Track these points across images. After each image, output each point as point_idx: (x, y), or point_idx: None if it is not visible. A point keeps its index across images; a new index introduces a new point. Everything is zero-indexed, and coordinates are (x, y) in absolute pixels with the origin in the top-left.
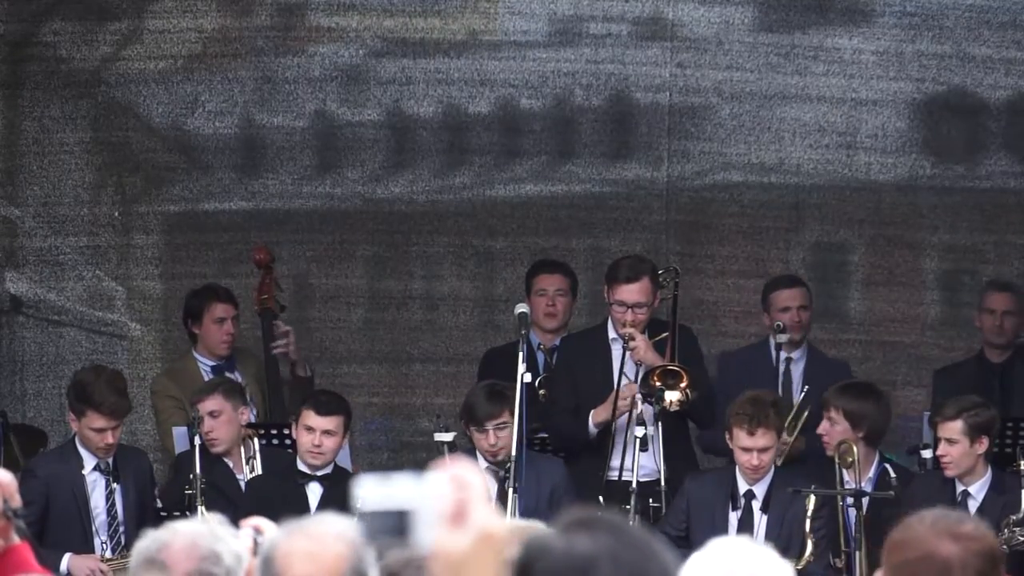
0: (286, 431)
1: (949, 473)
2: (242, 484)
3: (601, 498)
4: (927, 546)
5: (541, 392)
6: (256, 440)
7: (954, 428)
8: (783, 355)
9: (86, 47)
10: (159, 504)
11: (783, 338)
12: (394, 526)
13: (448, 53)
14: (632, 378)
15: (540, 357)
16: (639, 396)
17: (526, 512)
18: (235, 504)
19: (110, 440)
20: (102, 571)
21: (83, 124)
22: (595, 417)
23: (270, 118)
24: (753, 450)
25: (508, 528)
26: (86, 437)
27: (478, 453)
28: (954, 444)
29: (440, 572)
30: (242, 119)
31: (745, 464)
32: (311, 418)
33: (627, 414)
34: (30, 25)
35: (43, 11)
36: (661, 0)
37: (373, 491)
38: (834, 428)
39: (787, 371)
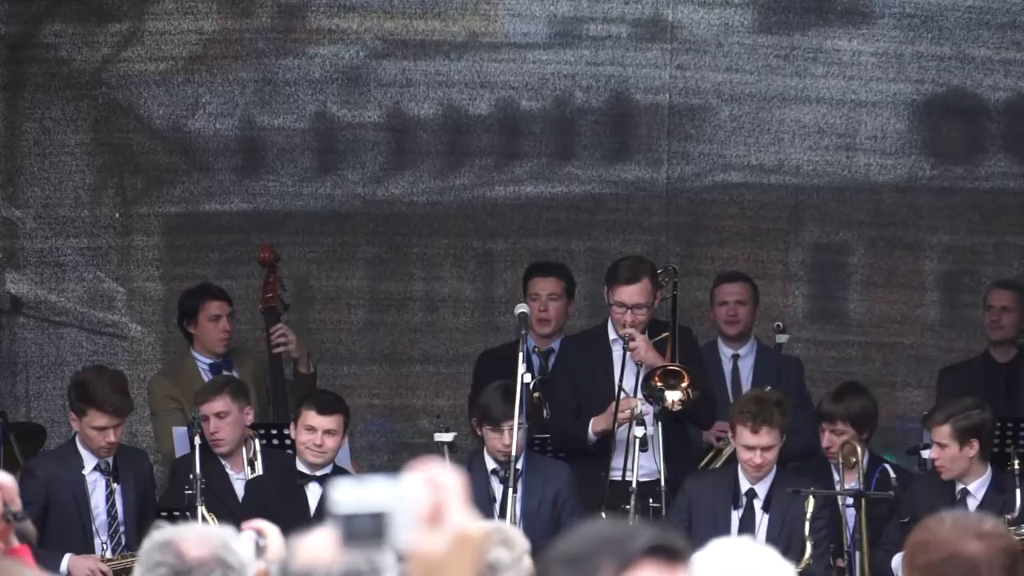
0: (286, 431)
1: (944, 476)
2: (240, 486)
3: (601, 499)
4: (952, 546)
5: (535, 395)
6: (257, 441)
7: (943, 432)
8: (729, 352)
9: (87, 48)
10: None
11: (783, 338)
12: (370, 528)
13: (448, 55)
14: (632, 379)
15: (535, 360)
16: (638, 407)
17: (528, 515)
18: (229, 507)
19: (112, 439)
20: (102, 571)
21: (84, 125)
22: (595, 426)
23: (270, 119)
24: (756, 448)
25: (484, 530)
26: (87, 436)
27: (486, 452)
28: (944, 448)
29: (417, 574)
30: (242, 120)
31: (748, 462)
32: (312, 418)
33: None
34: (31, 26)
35: (43, 12)
36: (661, 2)
37: (348, 493)
38: (841, 439)
39: (735, 368)
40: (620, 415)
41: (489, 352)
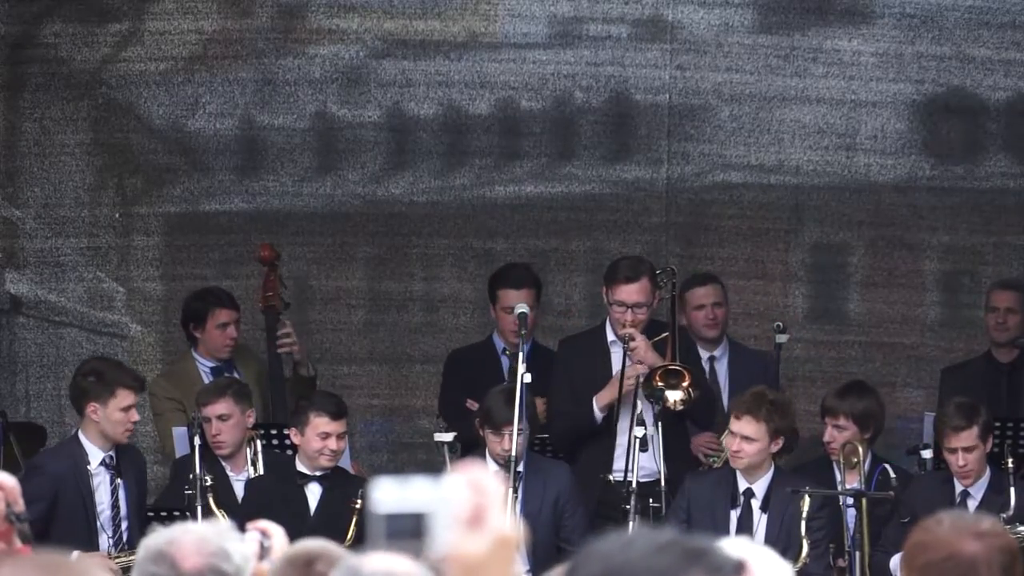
0: (285, 431)
1: (967, 482)
2: (240, 487)
3: (603, 500)
4: (951, 546)
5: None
6: (259, 442)
7: (972, 435)
8: (705, 354)
9: (86, 48)
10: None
11: (783, 338)
12: (411, 529)
13: (448, 55)
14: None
15: (505, 362)
16: (640, 404)
17: (529, 516)
18: (229, 508)
19: (136, 417)
20: (111, 569)
21: (83, 125)
22: (599, 400)
23: (270, 119)
24: (737, 436)
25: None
26: (113, 422)
27: (488, 454)
28: (972, 451)
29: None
30: (242, 120)
31: (729, 448)
32: (326, 424)
33: (631, 412)
34: (30, 26)
35: (43, 12)
36: (661, 2)
37: (390, 493)
38: (842, 434)
39: (712, 370)
40: (626, 382)
41: (458, 352)
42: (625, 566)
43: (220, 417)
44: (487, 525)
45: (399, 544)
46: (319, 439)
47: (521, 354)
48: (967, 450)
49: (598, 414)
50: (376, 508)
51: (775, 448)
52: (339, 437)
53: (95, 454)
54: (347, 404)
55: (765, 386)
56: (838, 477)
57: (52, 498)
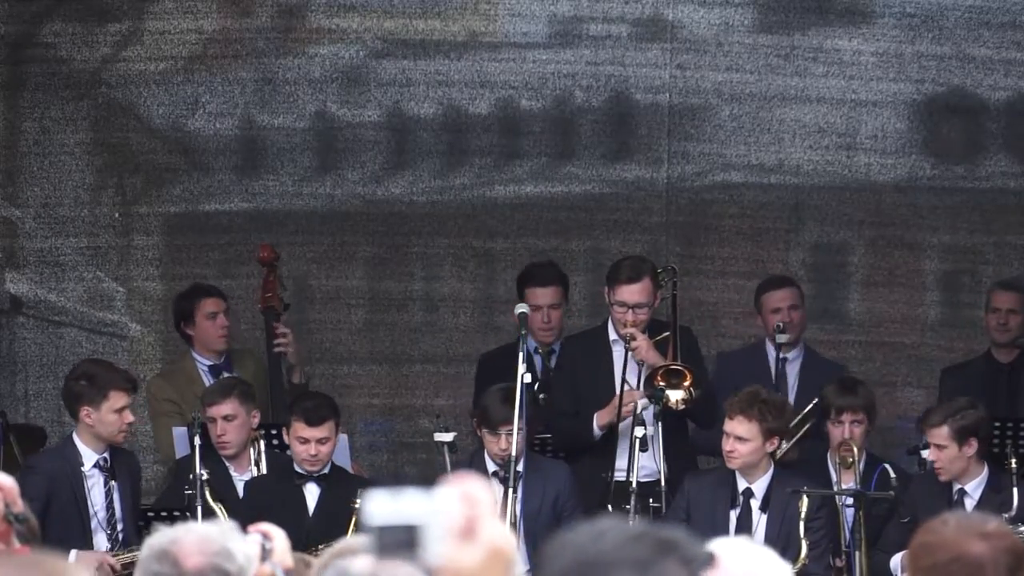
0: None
1: (942, 478)
2: (242, 486)
3: (604, 500)
4: (957, 547)
5: (541, 396)
6: (261, 442)
7: (941, 434)
8: (780, 355)
9: (86, 48)
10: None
11: (783, 338)
12: (403, 540)
13: (448, 54)
14: (634, 379)
15: (538, 360)
16: (638, 406)
17: (529, 516)
18: (230, 507)
19: (131, 419)
20: (110, 564)
21: (83, 125)
22: (599, 420)
23: (270, 119)
24: (730, 436)
25: (516, 543)
26: (106, 423)
27: (486, 454)
28: (943, 449)
29: None
30: (242, 120)
31: (723, 448)
32: (303, 430)
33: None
34: (30, 26)
35: (43, 12)
36: (661, 1)
37: (382, 505)
38: (859, 428)
39: (782, 372)
40: (624, 408)
41: (489, 354)
42: (598, 557)
43: (225, 418)
44: (480, 536)
45: (391, 556)
46: (298, 443)
47: (521, 354)
48: (938, 447)
49: (597, 432)
50: (368, 520)
51: (770, 448)
52: (319, 442)
53: (89, 456)
54: (347, 404)
55: (760, 386)
56: (834, 477)
57: (45, 498)
